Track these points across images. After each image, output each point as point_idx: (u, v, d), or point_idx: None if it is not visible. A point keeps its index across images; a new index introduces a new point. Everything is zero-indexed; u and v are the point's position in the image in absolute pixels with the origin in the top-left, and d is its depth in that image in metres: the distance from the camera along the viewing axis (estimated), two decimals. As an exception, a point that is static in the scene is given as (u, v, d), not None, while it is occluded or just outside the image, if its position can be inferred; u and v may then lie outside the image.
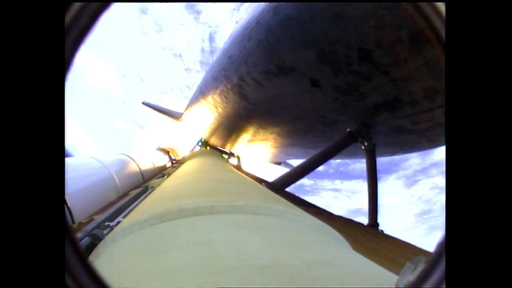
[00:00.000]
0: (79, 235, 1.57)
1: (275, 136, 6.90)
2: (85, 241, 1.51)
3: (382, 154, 5.38)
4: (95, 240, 1.48)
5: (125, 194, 4.02)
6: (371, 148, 4.67)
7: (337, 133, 4.79)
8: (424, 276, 0.61)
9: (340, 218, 4.43)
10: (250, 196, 1.82)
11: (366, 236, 3.70)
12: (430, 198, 19.13)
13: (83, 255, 0.61)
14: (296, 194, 5.18)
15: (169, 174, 4.55)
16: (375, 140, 4.64)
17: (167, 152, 8.63)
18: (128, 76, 19.99)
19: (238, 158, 10.11)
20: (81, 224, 1.92)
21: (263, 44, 4.34)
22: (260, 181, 4.74)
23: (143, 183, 4.44)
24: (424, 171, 18.58)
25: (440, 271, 0.60)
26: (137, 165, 5.38)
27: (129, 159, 5.43)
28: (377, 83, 3.69)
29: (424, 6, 0.70)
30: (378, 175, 4.79)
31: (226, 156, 9.57)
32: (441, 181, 18.11)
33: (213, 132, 9.17)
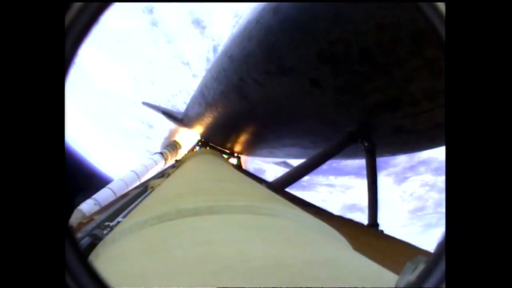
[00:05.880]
0: (79, 235, 1.57)
1: (275, 136, 6.90)
2: (85, 241, 1.51)
3: (382, 154, 5.38)
4: (95, 240, 1.48)
5: (125, 194, 4.03)
6: (371, 148, 4.67)
7: (337, 133, 4.79)
8: (424, 276, 0.61)
9: (340, 218, 4.43)
10: (250, 196, 1.82)
11: (366, 236, 3.70)
12: (422, 195, 19.65)
13: (83, 255, 0.61)
14: (295, 190, 5.19)
15: (169, 174, 4.55)
16: (375, 140, 4.64)
17: (166, 157, 8.72)
18: (140, 80, 21.49)
19: (238, 158, 10.10)
20: (81, 224, 1.92)
21: (263, 44, 4.34)
22: (260, 181, 4.74)
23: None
24: (412, 168, 19.19)
25: (440, 271, 0.60)
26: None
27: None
28: (377, 83, 3.69)
29: (424, 6, 0.70)
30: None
31: (226, 156, 9.56)
32: (430, 178, 18.70)
33: (213, 132, 9.17)
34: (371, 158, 4.74)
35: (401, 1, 2.71)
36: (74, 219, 4.48)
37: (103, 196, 5.89)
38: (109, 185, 6.52)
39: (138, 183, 6.52)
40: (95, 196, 5.81)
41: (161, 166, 8.33)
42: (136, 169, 7.45)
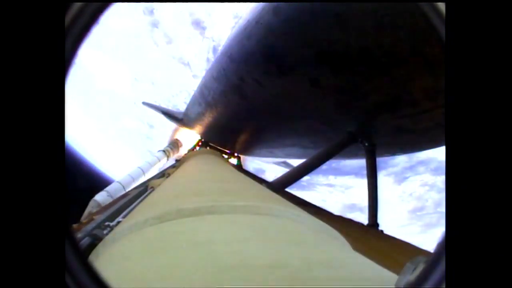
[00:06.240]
0: (79, 235, 1.57)
1: (275, 136, 6.90)
2: (85, 241, 1.51)
3: (382, 154, 5.38)
4: (95, 240, 1.48)
5: (125, 194, 4.03)
6: (371, 148, 4.67)
7: (337, 133, 4.79)
8: (424, 276, 0.61)
9: (340, 218, 4.43)
10: (250, 196, 1.82)
11: (366, 236, 3.70)
12: (422, 195, 19.81)
13: (83, 255, 0.61)
14: (295, 190, 5.20)
15: (169, 174, 4.55)
16: (375, 140, 4.64)
17: (168, 154, 9.39)
18: (140, 80, 21.83)
19: (238, 158, 10.11)
20: (81, 224, 1.92)
21: (263, 44, 4.34)
22: (260, 181, 4.74)
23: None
24: (411, 168, 19.40)
25: (440, 271, 0.60)
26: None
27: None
28: (377, 83, 3.69)
29: (424, 6, 0.70)
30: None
31: (226, 156, 9.57)
32: (429, 178, 18.82)
33: (213, 132, 9.17)
34: (371, 158, 4.74)
35: (401, 1, 2.72)
36: (90, 208, 5.37)
37: (114, 188, 6.66)
38: (118, 180, 7.27)
39: (143, 177, 7.45)
40: (107, 188, 6.53)
41: (163, 162, 9.36)
42: (142, 166, 8.38)
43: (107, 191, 6.28)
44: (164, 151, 9.84)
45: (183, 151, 10.35)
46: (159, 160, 9.25)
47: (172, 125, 11.83)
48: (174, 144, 10.46)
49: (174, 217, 1.23)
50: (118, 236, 1.28)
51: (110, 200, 5.65)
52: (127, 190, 6.16)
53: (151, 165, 8.70)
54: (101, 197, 5.96)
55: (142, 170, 8.04)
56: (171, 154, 9.90)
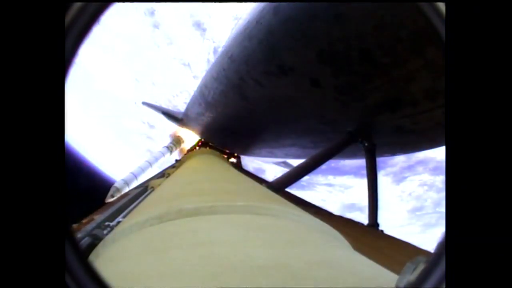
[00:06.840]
0: (79, 235, 1.58)
1: (275, 136, 6.90)
2: (85, 241, 1.51)
3: (382, 154, 5.38)
4: (95, 240, 1.48)
5: (125, 194, 4.04)
6: (371, 148, 4.67)
7: (337, 133, 4.79)
8: (424, 276, 0.61)
9: (340, 218, 4.43)
10: (250, 196, 1.82)
11: (366, 236, 3.70)
12: (421, 195, 19.82)
13: (83, 255, 0.61)
14: (295, 190, 5.20)
15: (169, 174, 4.55)
16: (375, 140, 4.64)
17: (171, 149, 10.09)
18: (141, 81, 21.99)
19: (238, 158, 10.12)
20: (81, 224, 1.92)
21: (263, 44, 4.34)
22: (260, 181, 4.74)
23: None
24: (410, 168, 19.38)
25: (440, 271, 0.60)
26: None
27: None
28: (377, 83, 3.69)
29: (424, 6, 0.70)
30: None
31: (226, 156, 9.58)
32: (428, 178, 18.85)
33: (213, 132, 9.18)
34: (371, 158, 4.74)
35: (401, 1, 2.72)
36: (112, 192, 6.58)
37: (128, 178, 7.71)
38: (130, 171, 8.25)
39: (150, 169, 8.61)
40: (123, 178, 7.60)
41: (167, 156, 10.59)
42: (148, 160, 9.60)
43: (124, 180, 7.46)
44: (167, 147, 10.87)
45: (185, 146, 11.21)
46: (163, 155, 10.29)
47: (173, 125, 11.96)
48: (177, 141, 11.35)
49: (174, 217, 1.23)
50: (118, 236, 1.28)
51: (126, 187, 6.84)
52: (137, 179, 7.41)
53: (157, 159, 9.86)
54: (119, 184, 7.16)
55: (149, 163, 9.22)
56: (174, 149, 10.92)
